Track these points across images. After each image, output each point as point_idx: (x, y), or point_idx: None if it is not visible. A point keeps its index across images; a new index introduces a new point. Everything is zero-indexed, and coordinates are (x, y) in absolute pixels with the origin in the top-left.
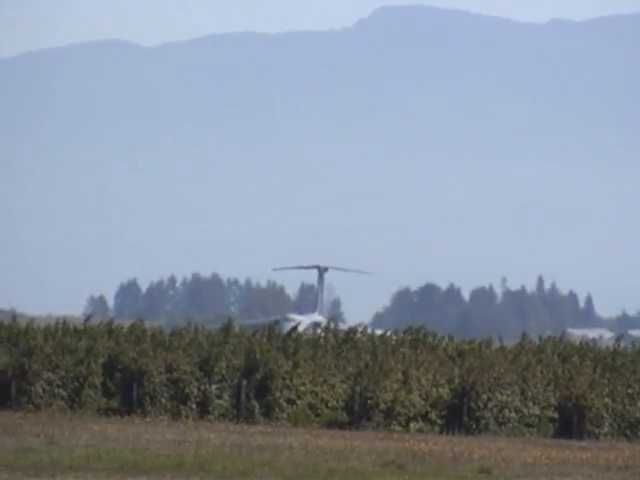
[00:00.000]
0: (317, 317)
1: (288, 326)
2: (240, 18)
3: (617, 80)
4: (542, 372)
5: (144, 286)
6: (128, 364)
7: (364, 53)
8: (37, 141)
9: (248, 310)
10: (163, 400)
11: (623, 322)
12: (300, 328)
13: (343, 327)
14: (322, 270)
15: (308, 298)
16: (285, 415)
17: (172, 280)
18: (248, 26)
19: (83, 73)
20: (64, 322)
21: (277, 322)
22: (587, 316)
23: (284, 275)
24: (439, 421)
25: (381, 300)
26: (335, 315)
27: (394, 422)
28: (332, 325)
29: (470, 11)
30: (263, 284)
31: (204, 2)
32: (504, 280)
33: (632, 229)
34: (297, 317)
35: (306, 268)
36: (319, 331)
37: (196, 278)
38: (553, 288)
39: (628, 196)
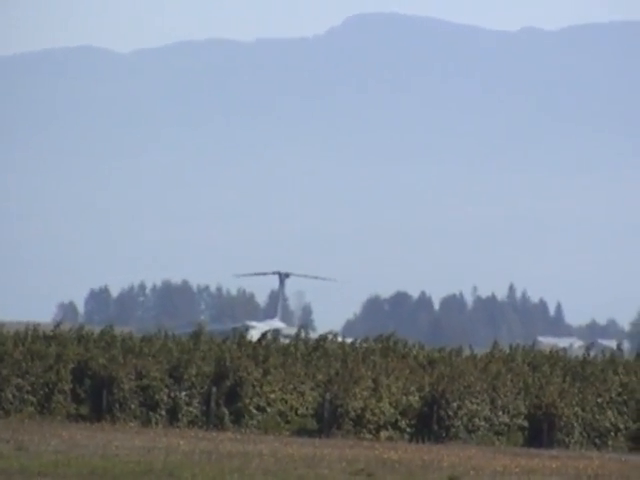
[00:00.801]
0: (277, 323)
1: (249, 332)
2: (212, 25)
3: (587, 87)
4: (512, 381)
5: (115, 292)
6: (98, 370)
7: (336, 60)
8: (6, 146)
9: (218, 317)
10: (133, 407)
11: (593, 330)
12: (256, 334)
13: (313, 335)
14: (283, 276)
15: (276, 305)
16: (255, 422)
17: (142, 286)
18: (221, 33)
19: (58, 78)
20: (34, 328)
21: (235, 329)
22: (557, 324)
23: (254, 282)
24: (409, 429)
25: (352, 308)
26: (306, 322)
27: (364, 430)
28: (302, 332)
29: (443, 19)
30: (233, 291)
31: (177, 9)
32: (475, 288)
33: (602, 239)
34: (257, 324)
35: (267, 274)
36: (280, 337)
37: (166, 284)
38: (524, 296)
39: (598, 207)
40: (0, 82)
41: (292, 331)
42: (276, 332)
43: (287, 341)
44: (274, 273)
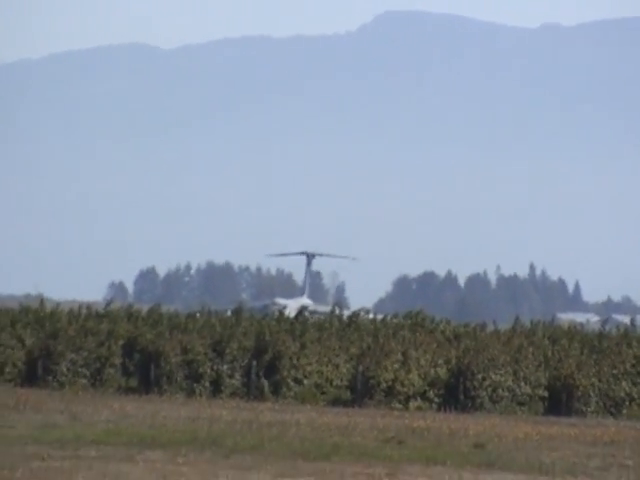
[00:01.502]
0: (305, 300)
1: (276, 309)
2: (250, 22)
3: (604, 82)
4: (533, 354)
5: (162, 273)
6: (146, 346)
7: (369, 55)
8: (62, 137)
9: (258, 295)
10: (178, 379)
11: (609, 307)
12: (287, 311)
13: (347, 312)
14: (310, 256)
15: (313, 283)
16: (292, 393)
17: (188, 267)
18: (259, 30)
19: (104, 74)
20: (87, 306)
21: (266, 306)
22: (575, 301)
23: (291, 262)
24: (437, 399)
25: (383, 286)
26: (340, 300)
27: (394, 400)
28: (336, 309)
29: (466, 15)
30: (272, 271)
31: (218, 6)
32: (498, 267)
33: (617, 221)
34: (284, 301)
35: (295, 255)
36: (307, 313)
37: (210, 265)
38: (544, 275)
39: (613, 191)
40: (54, 78)
41: (319, 307)
42: (304, 308)
43: (314, 317)
44: (302, 253)
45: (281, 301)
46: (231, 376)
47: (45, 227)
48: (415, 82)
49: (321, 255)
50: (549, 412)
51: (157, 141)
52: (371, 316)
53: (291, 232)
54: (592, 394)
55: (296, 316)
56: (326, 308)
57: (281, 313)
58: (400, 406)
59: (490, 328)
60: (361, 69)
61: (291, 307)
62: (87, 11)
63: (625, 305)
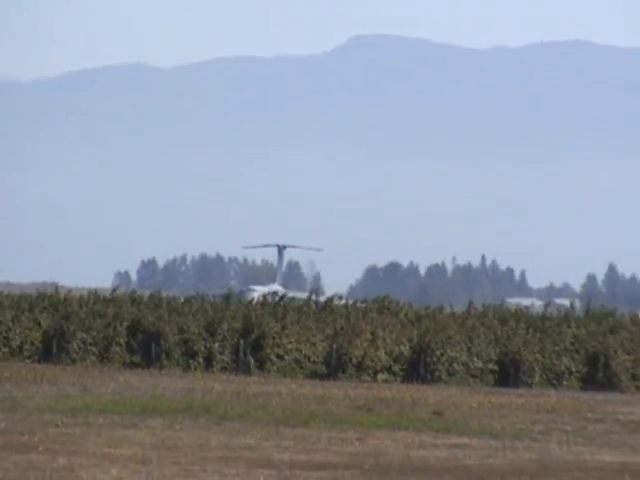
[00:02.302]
0: (276, 287)
1: (250, 295)
2: (238, 43)
3: (542, 99)
4: (485, 333)
5: (161, 263)
6: (148, 327)
7: (344, 75)
8: (74, 145)
9: (245, 283)
10: (176, 356)
11: (550, 292)
12: (257, 296)
13: (323, 297)
14: (281, 248)
15: (293, 273)
16: (275, 368)
17: (184, 258)
18: (246, 50)
19: (110, 91)
20: (95, 292)
21: (242, 292)
22: (521, 287)
23: (275, 254)
24: (400, 373)
25: (354, 275)
26: (316, 287)
27: (364, 374)
28: (312, 295)
29: (431, 40)
30: (258, 262)
31: (212, 28)
32: (454, 258)
33: (557, 218)
34: (258, 287)
35: (269, 246)
36: (277, 298)
37: (203, 257)
38: (494, 264)
39: (553, 193)
40: (68, 94)
41: (289, 293)
42: (274, 294)
43: (275, 300)
44: (274, 245)
45: (256, 288)
46: (222, 353)
47: (60, 224)
48: (381, 99)
49: (292, 247)
50: (499, 384)
51: (156, 148)
52: (343, 301)
53: (274, 227)
54: (536, 368)
55: (279, 301)
56: (296, 294)
57: (265, 298)
58: (369, 379)
59: (447, 311)
60: (334, 87)
61: (260, 292)
62: (95, 33)
63: (565, 290)
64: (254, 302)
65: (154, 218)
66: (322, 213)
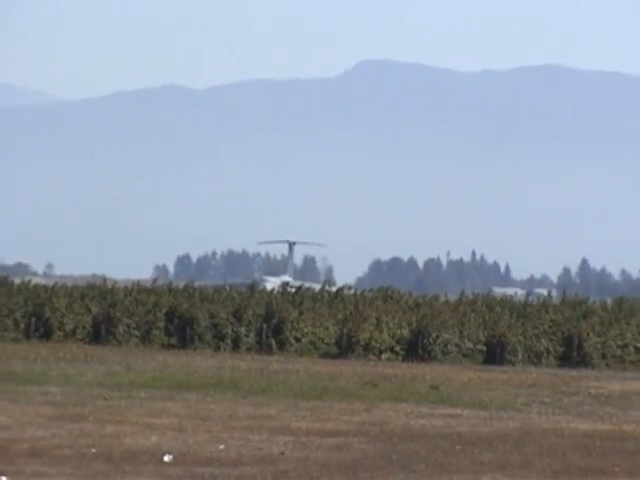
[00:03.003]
0: (287, 278)
1: (264, 284)
2: (253, 66)
3: (523, 119)
4: (474, 318)
5: (194, 258)
6: (183, 313)
7: (353, 97)
8: (120, 158)
9: (266, 275)
10: (207, 338)
11: (531, 282)
12: (270, 286)
13: (334, 288)
14: (291, 243)
15: (309, 267)
16: (293, 349)
17: (214, 254)
18: (260, 73)
19: (150, 110)
20: (138, 283)
21: (256, 282)
22: (506, 278)
23: (295, 250)
24: (402, 352)
25: (361, 268)
26: (329, 279)
27: (370, 353)
28: (325, 285)
29: (429, 64)
30: (278, 257)
31: (243, 51)
32: (448, 253)
33: (539, 217)
34: (271, 278)
35: (280, 242)
36: (293, 289)
37: (230, 252)
38: (482, 259)
39: (534, 194)
40: (117, 113)
41: (297, 283)
42: (285, 284)
43: (293, 290)
44: (285, 241)
45: (269, 278)
46: (247, 336)
47: (107, 225)
48: (386, 116)
49: (301, 243)
50: (486, 362)
51: (189, 159)
52: (352, 291)
53: (292, 226)
54: (519, 348)
55: (296, 291)
56: (312, 284)
57: (284, 287)
58: (374, 358)
59: (442, 299)
60: (346, 106)
61: (273, 283)
62: (136, 56)
63: (544, 281)
64: (274, 291)
65: (188, 219)
66: (333, 214)
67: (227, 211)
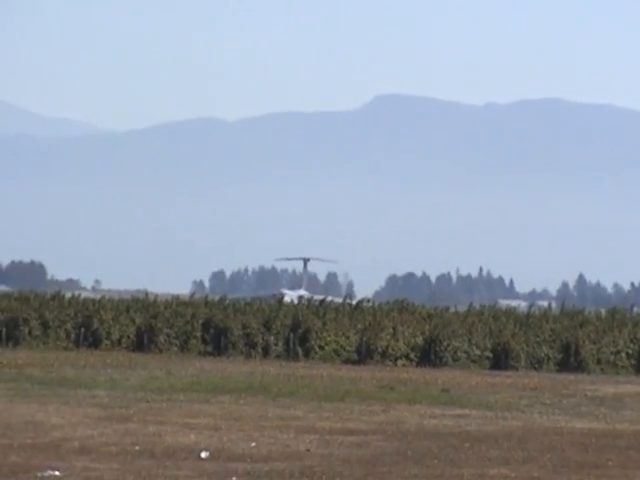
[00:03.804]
0: (302, 292)
1: (282, 297)
2: (282, 98)
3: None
4: (482, 327)
5: (228, 274)
6: (218, 323)
7: (370, 128)
8: (154, 185)
9: (293, 289)
10: (240, 346)
11: (533, 295)
12: (288, 299)
13: (354, 300)
14: (305, 260)
15: (331, 281)
16: (318, 356)
17: (245, 270)
18: (284, 107)
19: (185, 140)
20: (177, 297)
21: (274, 295)
22: (510, 291)
23: (317, 266)
24: (416, 359)
25: (379, 283)
26: (349, 292)
27: (387, 360)
28: (347, 298)
29: (437, 98)
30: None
31: (270, 84)
32: (457, 269)
33: (539, 236)
34: (288, 292)
35: (295, 259)
36: (303, 301)
37: (261, 269)
38: (489, 274)
39: (535, 216)
40: (156, 145)
41: (312, 296)
42: (301, 297)
43: (306, 301)
44: (299, 258)
45: (286, 292)
46: (276, 344)
47: (149, 245)
48: (397, 146)
49: (315, 259)
50: (493, 367)
51: (223, 187)
52: (370, 303)
53: (316, 244)
54: (522, 355)
55: (320, 303)
56: (319, 297)
57: (280, 300)
58: (391, 364)
59: (452, 311)
60: (365, 135)
61: (290, 296)
62: (175, 90)
63: (545, 294)
64: (300, 304)
65: (222, 239)
66: (354, 235)
67: (258, 232)
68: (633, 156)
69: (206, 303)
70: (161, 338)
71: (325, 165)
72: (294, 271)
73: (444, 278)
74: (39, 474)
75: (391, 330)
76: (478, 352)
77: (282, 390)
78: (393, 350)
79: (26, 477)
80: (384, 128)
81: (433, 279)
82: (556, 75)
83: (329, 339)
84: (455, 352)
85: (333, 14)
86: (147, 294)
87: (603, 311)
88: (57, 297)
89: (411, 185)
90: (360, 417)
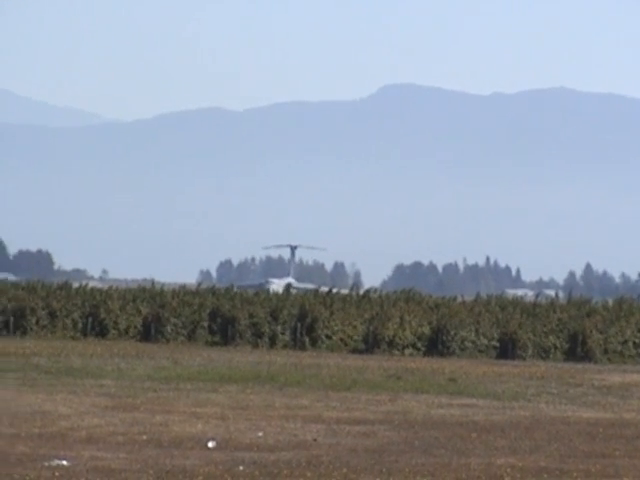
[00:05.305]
0: (290, 280)
1: (268, 285)
2: (289, 88)
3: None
4: (488, 317)
5: (235, 263)
6: (225, 313)
7: (378, 117)
8: (170, 175)
9: (300, 280)
10: (247, 336)
11: (540, 284)
12: (275, 287)
13: (361, 290)
14: (293, 248)
15: (338, 271)
16: (325, 345)
17: (252, 259)
18: (291, 96)
19: (192, 130)
20: (184, 286)
21: (262, 284)
22: (517, 281)
23: (324, 255)
24: (423, 348)
25: (386, 272)
26: (356, 282)
27: (394, 349)
28: (354, 288)
29: (443, 87)
30: (311, 262)
31: (276, 74)
32: (465, 259)
33: (546, 225)
34: (275, 280)
35: (282, 247)
36: (292, 289)
37: (268, 258)
38: (495, 263)
39: (542, 205)
40: (162, 134)
41: (300, 285)
42: (289, 285)
43: (295, 291)
44: (287, 245)
45: (273, 280)
46: (283, 333)
47: (157, 233)
48: (408, 135)
49: (303, 247)
50: (500, 357)
51: (230, 177)
52: (377, 293)
53: (323, 234)
54: (529, 344)
55: (328, 293)
56: (306, 285)
57: (317, 290)
58: (398, 353)
59: (459, 300)
60: (372, 124)
61: (277, 284)
62: (182, 80)
63: (552, 283)
64: (320, 293)
65: (229, 228)
66: (362, 224)
67: (264, 221)
68: None
69: (213, 293)
70: (168, 328)
71: (332, 154)
72: (301, 260)
73: (451, 267)
74: (46, 463)
75: (398, 319)
76: (485, 342)
77: (289, 380)
78: (400, 339)
79: (33, 466)
80: (390, 118)
81: (440, 268)
82: (563, 64)
83: (336, 328)
84: (462, 342)
85: (340, 4)
86: (154, 283)
87: (610, 301)
88: (64, 287)
89: (417, 174)
90: (367, 407)
